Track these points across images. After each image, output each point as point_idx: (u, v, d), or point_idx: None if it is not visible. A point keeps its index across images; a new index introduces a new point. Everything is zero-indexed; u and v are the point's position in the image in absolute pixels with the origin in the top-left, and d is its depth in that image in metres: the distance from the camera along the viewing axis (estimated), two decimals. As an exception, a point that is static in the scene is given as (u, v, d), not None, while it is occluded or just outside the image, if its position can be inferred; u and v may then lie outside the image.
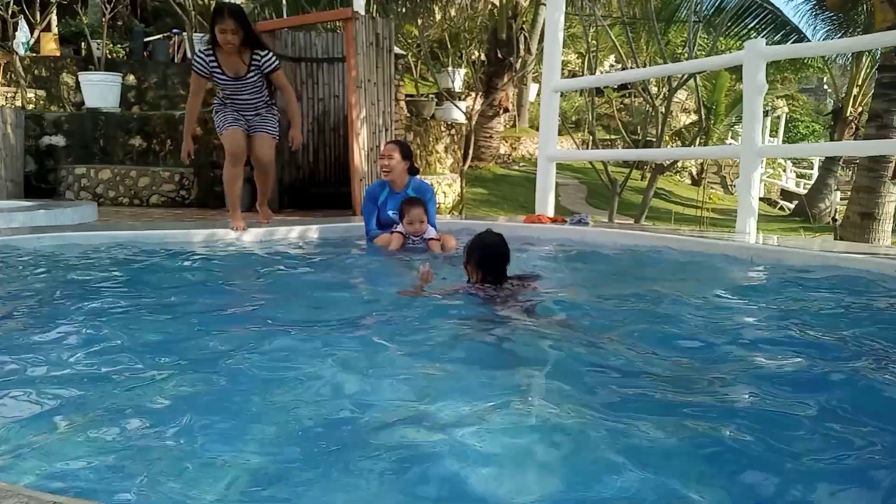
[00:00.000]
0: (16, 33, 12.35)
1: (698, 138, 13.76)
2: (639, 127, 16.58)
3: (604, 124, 19.27)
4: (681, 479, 1.33)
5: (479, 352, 2.21)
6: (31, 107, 11.19)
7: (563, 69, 9.56)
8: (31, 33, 12.95)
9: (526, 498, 1.27)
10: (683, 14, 11.75)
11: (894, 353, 2.16)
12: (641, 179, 15.51)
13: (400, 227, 4.44)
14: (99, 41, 12.03)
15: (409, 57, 16.51)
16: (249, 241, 4.82)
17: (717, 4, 12.12)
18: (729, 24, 12.20)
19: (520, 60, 14.55)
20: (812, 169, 21.39)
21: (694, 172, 20.82)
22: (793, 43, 12.64)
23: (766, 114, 20.50)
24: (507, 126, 18.18)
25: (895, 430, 1.56)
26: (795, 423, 1.60)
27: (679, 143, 18.94)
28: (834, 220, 13.57)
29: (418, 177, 4.90)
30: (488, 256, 2.91)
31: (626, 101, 19.95)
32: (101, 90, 10.22)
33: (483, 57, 15.94)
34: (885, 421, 1.61)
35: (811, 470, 1.39)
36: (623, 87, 19.10)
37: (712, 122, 16.63)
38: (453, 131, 13.20)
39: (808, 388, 1.82)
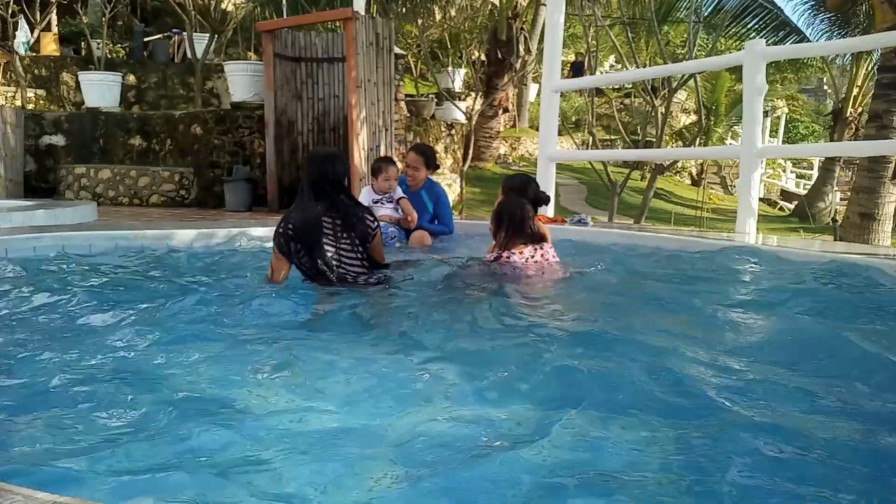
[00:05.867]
0: (16, 33, 12.35)
1: (698, 138, 13.77)
2: (639, 127, 16.58)
3: (604, 124, 19.27)
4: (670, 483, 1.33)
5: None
6: (31, 106, 11.20)
7: (563, 69, 9.57)
8: (31, 33, 12.96)
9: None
10: (683, 14, 11.76)
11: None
12: (641, 180, 15.50)
13: (363, 201, 4.46)
14: (99, 41, 12.04)
15: (409, 57, 16.51)
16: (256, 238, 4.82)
17: (716, 4, 12.13)
18: (729, 24, 12.20)
19: (520, 60, 14.55)
20: (812, 169, 21.39)
21: (694, 173, 20.82)
22: (792, 43, 12.65)
23: (766, 114, 20.49)
24: (507, 126, 18.19)
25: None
26: (791, 426, 1.60)
27: (679, 143, 18.94)
28: (834, 220, 13.57)
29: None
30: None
31: (626, 101, 19.95)
32: (100, 90, 10.22)
33: (483, 57, 15.95)
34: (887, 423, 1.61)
35: (803, 469, 1.39)
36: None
37: (712, 122, 16.64)
38: (453, 131, 13.20)
39: (804, 392, 1.82)
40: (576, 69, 19.39)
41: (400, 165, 5.05)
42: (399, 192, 4.62)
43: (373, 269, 3.14)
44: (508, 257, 3.21)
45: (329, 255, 2.99)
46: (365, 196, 4.54)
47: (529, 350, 2.09)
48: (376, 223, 3.17)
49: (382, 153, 7.97)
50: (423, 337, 2.32)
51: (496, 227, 3.29)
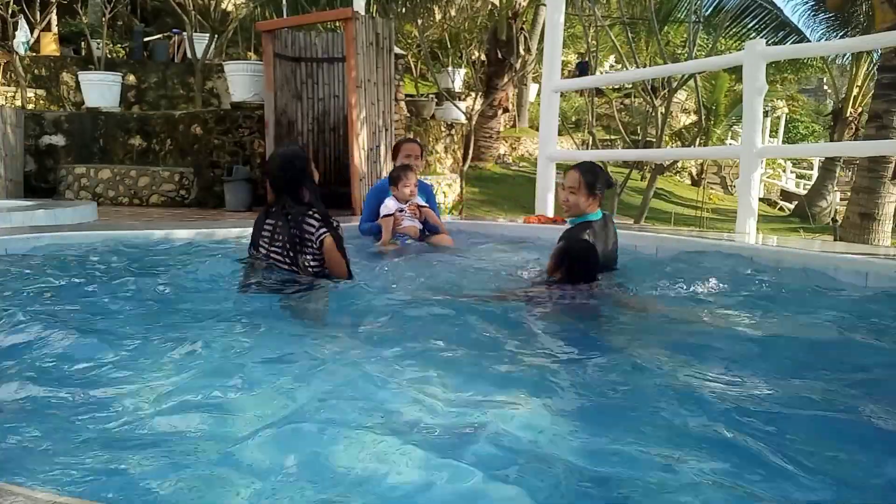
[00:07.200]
0: (16, 33, 12.35)
1: (698, 138, 13.77)
2: (639, 127, 16.57)
3: (604, 124, 19.25)
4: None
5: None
6: (31, 106, 11.20)
7: (562, 69, 9.56)
8: (31, 33, 12.95)
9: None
10: (683, 14, 11.77)
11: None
12: (641, 180, 15.50)
13: (389, 208, 4.43)
14: (99, 41, 12.04)
15: (409, 57, 16.51)
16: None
17: (717, 5, 12.13)
18: (729, 24, 12.20)
19: (520, 60, 14.54)
20: (812, 169, 21.37)
21: (694, 173, 20.81)
22: (792, 43, 12.65)
23: (766, 114, 20.47)
24: (507, 126, 18.17)
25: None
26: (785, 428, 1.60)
27: (679, 143, 18.93)
28: (834, 220, 13.56)
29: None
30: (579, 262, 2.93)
31: (626, 101, 19.94)
32: (100, 90, 10.22)
33: (483, 57, 15.93)
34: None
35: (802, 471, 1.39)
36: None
37: (712, 122, 16.63)
38: (453, 131, 13.19)
39: (800, 393, 1.83)
40: (581, 69, 19.34)
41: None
42: (419, 200, 4.52)
43: (315, 277, 2.92)
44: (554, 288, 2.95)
45: (260, 257, 3.00)
46: (390, 206, 4.44)
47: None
48: (322, 229, 2.90)
49: (382, 153, 7.96)
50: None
51: (555, 265, 3.00)
